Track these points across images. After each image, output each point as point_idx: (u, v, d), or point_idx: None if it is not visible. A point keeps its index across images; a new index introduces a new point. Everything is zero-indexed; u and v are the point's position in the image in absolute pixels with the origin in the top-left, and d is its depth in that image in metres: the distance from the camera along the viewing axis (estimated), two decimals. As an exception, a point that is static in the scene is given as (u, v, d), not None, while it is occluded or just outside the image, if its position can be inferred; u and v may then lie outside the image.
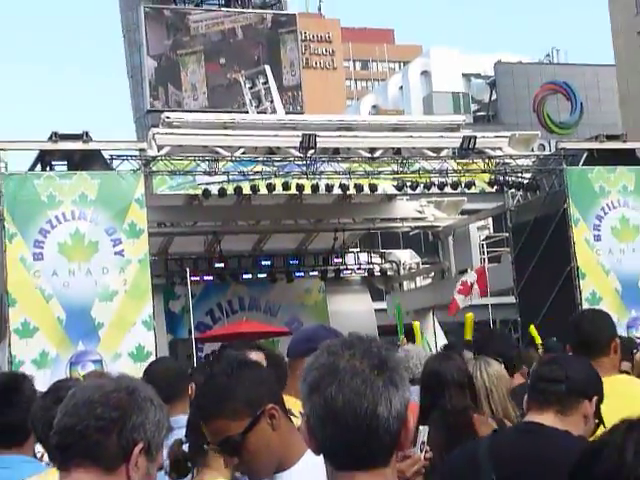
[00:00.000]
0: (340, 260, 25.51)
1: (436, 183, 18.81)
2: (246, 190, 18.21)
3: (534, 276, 19.37)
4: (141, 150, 16.68)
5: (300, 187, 18.25)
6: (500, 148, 19.05)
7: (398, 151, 18.92)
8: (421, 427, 3.22)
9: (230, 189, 17.93)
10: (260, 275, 24.24)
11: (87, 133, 15.97)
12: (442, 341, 21.66)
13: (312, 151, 17.47)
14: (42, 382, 4.55)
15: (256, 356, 4.68)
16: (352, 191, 19.04)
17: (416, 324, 16.04)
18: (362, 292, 26.71)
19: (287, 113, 28.99)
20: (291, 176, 18.19)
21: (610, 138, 19.09)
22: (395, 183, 19.07)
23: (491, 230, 27.21)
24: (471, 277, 20.96)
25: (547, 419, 3.11)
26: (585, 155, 18.82)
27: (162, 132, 17.52)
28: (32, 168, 16.19)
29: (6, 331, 15.32)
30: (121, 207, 15.79)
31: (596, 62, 55.02)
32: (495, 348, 5.27)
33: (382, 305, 27.40)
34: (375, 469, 1.75)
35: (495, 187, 19.58)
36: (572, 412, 3.13)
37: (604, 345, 4.01)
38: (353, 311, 24.63)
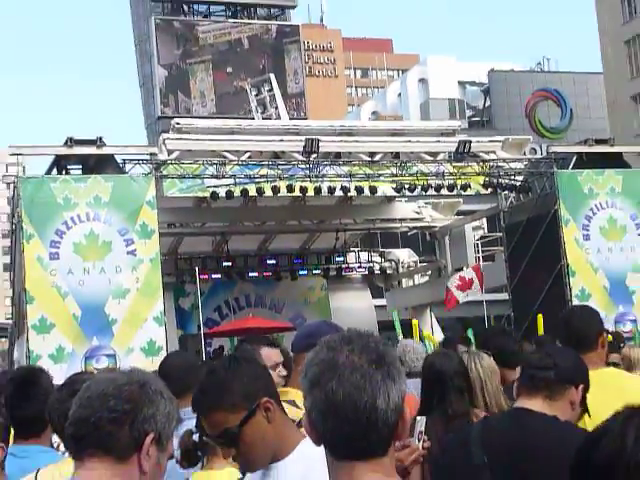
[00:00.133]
0: (342, 259, 25.49)
1: (433, 185, 18.80)
2: (252, 192, 18.19)
3: (526, 274, 19.35)
4: (152, 154, 16.68)
5: (303, 189, 18.24)
6: (494, 152, 19.03)
7: (397, 155, 18.90)
8: (418, 417, 3.22)
9: (237, 191, 17.92)
10: (265, 273, 24.23)
11: (101, 138, 15.96)
12: (439, 336, 21.62)
13: (315, 155, 17.47)
14: (58, 376, 4.57)
15: (272, 352, 4.69)
16: (353, 193, 19.03)
17: (415, 322, 15.99)
18: (363, 289, 26.69)
19: (291, 119, 29.01)
20: (295, 179, 18.18)
21: (598, 142, 19.07)
22: (394, 185, 19.05)
23: (485, 230, 27.17)
24: (469, 273, 20.91)
25: (536, 404, 3.13)
26: (575, 158, 18.80)
27: (172, 137, 17.51)
28: (49, 172, 16.19)
29: (24, 327, 15.34)
30: (133, 209, 15.78)
31: (585, 70, 55.09)
32: (497, 342, 5.26)
33: (382, 302, 27.39)
34: (374, 459, 1.75)
35: (489, 189, 19.57)
36: (559, 398, 3.15)
37: (592, 340, 4.02)
38: (354, 307, 24.60)
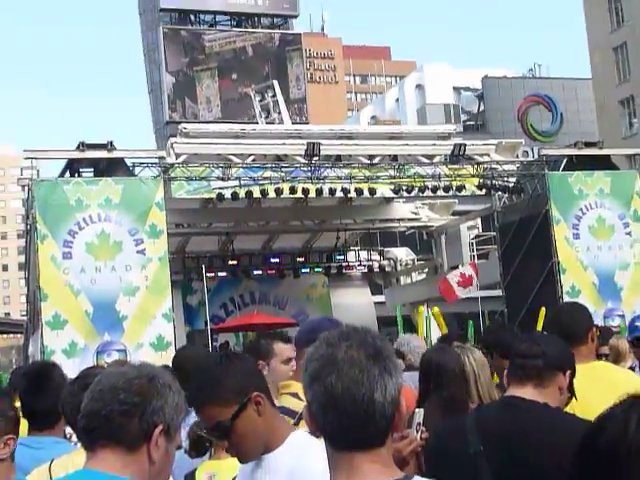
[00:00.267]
0: (342, 257, 25.49)
1: (429, 187, 18.78)
2: (256, 194, 18.21)
3: (519, 271, 19.35)
4: (161, 158, 16.67)
5: (305, 191, 18.24)
6: (488, 154, 19.01)
7: (395, 158, 18.88)
8: (417, 409, 3.22)
9: (242, 193, 17.92)
10: (269, 271, 24.23)
11: (111, 143, 15.95)
12: (435, 332, 21.62)
13: (316, 158, 17.45)
14: (71, 370, 4.58)
15: (285, 347, 4.74)
16: (353, 194, 19.04)
17: (420, 319, 16.05)
18: (362, 286, 26.68)
19: (293, 123, 28.97)
20: (297, 181, 18.18)
21: (588, 145, 19.05)
22: (392, 187, 19.04)
23: (480, 229, 27.17)
24: (468, 270, 20.89)
25: (527, 392, 3.12)
26: (565, 161, 18.78)
27: (180, 141, 17.50)
28: (62, 175, 16.18)
29: (39, 323, 15.34)
30: (142, 210, 15.77)
31: (575, 76, 55.04)
32: (498, 336, 5.28)
33: (381, 298, 27.39)
34: (372, 449, 1.75)
35: (483, 190, 19.55)
36: (549, 384, 3.15)
37: (582, 335, 4.02)
38: (354, 304, 24.59)
